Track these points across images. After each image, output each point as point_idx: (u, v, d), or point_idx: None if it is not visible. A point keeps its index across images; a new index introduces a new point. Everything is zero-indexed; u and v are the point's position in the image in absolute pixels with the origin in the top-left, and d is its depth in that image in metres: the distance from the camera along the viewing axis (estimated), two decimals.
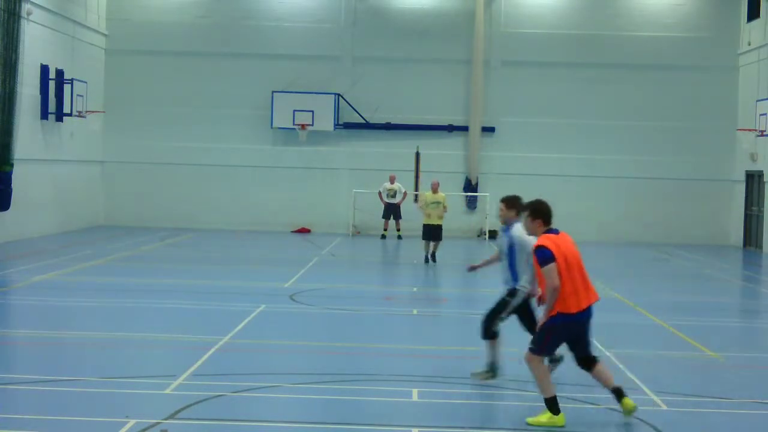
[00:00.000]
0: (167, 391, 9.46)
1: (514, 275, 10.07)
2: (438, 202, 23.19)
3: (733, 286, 21.70)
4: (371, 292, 18.46)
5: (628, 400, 8.78)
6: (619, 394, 8.82)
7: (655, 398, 9.78)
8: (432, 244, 23.11)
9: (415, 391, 9.82)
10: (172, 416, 8.48)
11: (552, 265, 8.59)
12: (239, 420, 8.60)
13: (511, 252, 10.07)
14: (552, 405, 8.57)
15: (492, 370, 10.32)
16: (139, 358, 11.40)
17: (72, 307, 15.13)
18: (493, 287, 19.63)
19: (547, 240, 8.75)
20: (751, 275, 24.11)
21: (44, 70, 27.33)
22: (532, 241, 9.22)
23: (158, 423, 8.26)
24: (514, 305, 10.14)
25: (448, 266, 22.64)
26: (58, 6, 28.44)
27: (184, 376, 10.08)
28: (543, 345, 8.83)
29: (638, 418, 8.97)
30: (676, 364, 11.99)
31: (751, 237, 31.51)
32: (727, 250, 30.53)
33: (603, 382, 8.94)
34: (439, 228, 23.05)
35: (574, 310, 8.76)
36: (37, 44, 26.46)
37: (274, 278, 19.07)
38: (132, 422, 8.24)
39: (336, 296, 17.43)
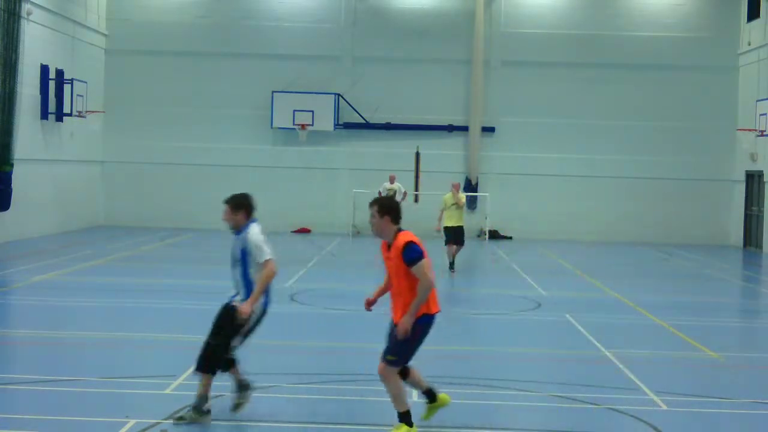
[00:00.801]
0: (167, 391, 9.46)
1: (249, 286, 8.64)
2: (458, 204, 21.81)
3: (733, 286, 21.70)
4: (371, 292, 18.42)
5: (444, 395, 8.57)
6: (431, 395, 8.50)
7: (655, 398, 9.77)
8: (454, 248, 21.57)
9: (415, 391, 9.80)
10: (172, 416, 8.48)
11: (425, 261, 7.95)
12: (239, 420, 8.59)
13: (244, 259, 8.59)
14: (407, 418, 8.12)
15: (241, 391, 8.76)
16: (139, 358, 11.40)
17: (72, 307, 15.12)
18: (493, 287, 19.66)
19: (412, 236, 8.11)
20: (751, 275, 24.11)
21: (44, 70, 27.34)
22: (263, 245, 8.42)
23: (158, 423, 8.26)
24: (252, 324, 8.71)
25: (448, 266, 22.61)
26: (58, 6, 28.44)
27: (184, 376, 10.07)
28: (407, 354, 8.16)
29: (638, 418, 8.97)
30: (676, 364, 11.99)
31: (751, 237, 31.51)
32: (727, 250, 30.53)
33: (416, 384, 8.48)
34: (461, 230, 21.66)
35: (435, 309, 8.18)
36: (37, 44, 26.46)
37: (275, 278, 19.03)
38: (132, 422, 8.24)
39: (336, 296, 17.42)
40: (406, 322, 8.00)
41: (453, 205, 21.78)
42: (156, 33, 33.00)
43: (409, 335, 8.00)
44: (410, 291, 8.03)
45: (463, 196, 22.07)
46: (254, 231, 8.59)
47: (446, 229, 21.68)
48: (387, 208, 8.25)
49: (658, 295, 18.57)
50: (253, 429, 8.40)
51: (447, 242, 21.63)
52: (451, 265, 21.58)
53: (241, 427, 8.43)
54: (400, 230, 8.17)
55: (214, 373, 8.47)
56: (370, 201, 8.41)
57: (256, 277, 8.57)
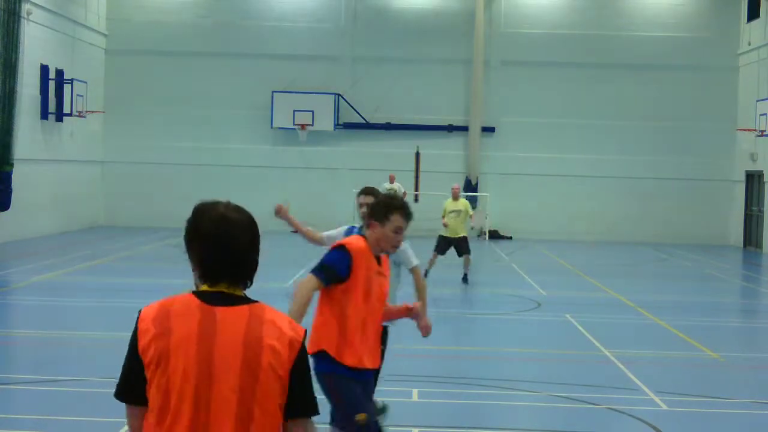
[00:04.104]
0: None
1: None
2: (459, 210, 19.27)
3: (733, 286, 21.70)
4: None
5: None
6: None
7: (655, 398, 9.77)
8: (464, 258, 19.27)
9: (415, 391, 9.81)
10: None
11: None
12: None
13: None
14: None
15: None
16: None
17: (72, 307, 15.12)
18: (493, 287, 19.65)
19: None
20: (751, 275, 24.11)
21: (44, 70, 27.33)
22: None
23: None
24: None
25: (448, 266, 22.59)
26: (58, 6, 28.44)
27: None
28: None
29: (638, 418, 8.97)
30: (676, 364, 11.99)
31: (751, 237, 31.51)
32: (727, 250, 30.53)
33: None
34: (462, 240, 19.11)
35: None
36: (37, 44, 26.46)
37: (274, 278, 19.06)
38: None
39: None
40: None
41: (452, 212, 19.28)
42: (156, 33, 33.00)
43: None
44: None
45: (465, 203, 19.70)
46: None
47: (441, 238, 19.37)
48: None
49: (658, 295, 18.57)
50: None
51: (436, 249, 19.37)
52: (427, 272, 18.20)
53: None
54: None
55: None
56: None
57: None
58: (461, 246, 19.13)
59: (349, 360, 5.73)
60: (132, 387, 3.05)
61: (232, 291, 3.20)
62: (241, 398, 3.00)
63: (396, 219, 5.86)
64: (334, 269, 5.70)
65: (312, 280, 5.72)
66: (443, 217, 19.31)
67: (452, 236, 19.12)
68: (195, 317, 3.09)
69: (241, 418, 3.00)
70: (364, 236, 5.93)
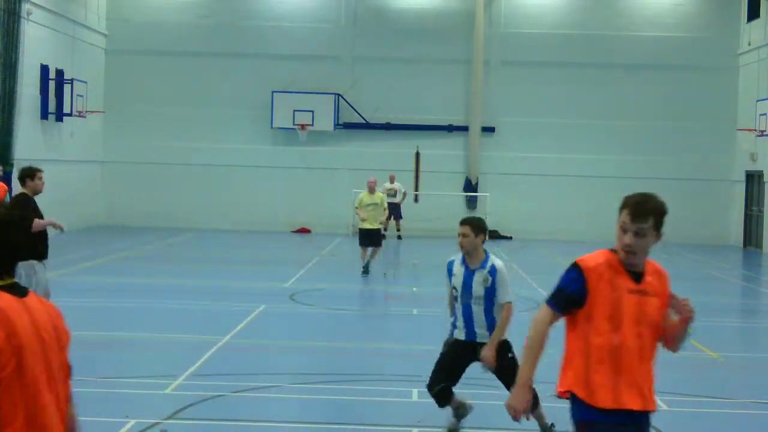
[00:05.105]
0: (167, 391, 9.45)
1: (492, 325, 8.02)
2: (376, 204, 20.19)
3: (733, 286, 21.70)
4: (371, 292, 18.45)
5: None
6: None
7: (655, 398, 9.75)
8: (370, 250, 20.24)
9: (415, 391, 9.81)
10: (172, 416, 8.47)
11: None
12: (239, 420, 8.59)
13: (490, 296, 7.94)
14: None
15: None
16: (139, 358, 11.39)
17: (72, 307, 15.10)
18: None
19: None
20: (751, 275, 24.11)
21: (44, 70, 27.33)
22: None
23: (158, 423, 8.26)
24: None
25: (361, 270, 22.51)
26: (58, 6, 28.44)
27: (184, 376, 10.07)
28: None
29: None
30: (676, 364, 11.98)
31: (751, 237, 31.51)
32: (727, 250, 30.53)
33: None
34: (377, 233, 20.18)
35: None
36: (37, 44, 26.46)
37: (274, 278, 19.06)
38: (132, 422, 8.24)
39: (336, 296, 17.42)
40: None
41: (369, 205, 20.15)
42: (156, 33, 33.00)
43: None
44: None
45: (380, 196, 20.52)
46: (501, 264, 7.93)
47: (360, 231, 20.32)
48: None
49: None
50: (253, 429, 8.40)
51: (361, 244, 20.33)
52: (365, 269, 20.13)
53: (241, 427, 8.42)
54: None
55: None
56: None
57: (498, 317, 7.87)
58: (375, 238, 20.13)
59: (602, 401, 4.69)
60: None
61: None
62: (63, 374, 3.63)
63: (623, 215, 4.74)
64: (565, 293, 4.80)
65: (544, 311, 4.91)
66: (357, 208, 20.35)
67: (370, 228, 20.06)
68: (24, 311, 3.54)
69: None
70: (613, 249, 4.82)
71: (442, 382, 7.97)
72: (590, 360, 4.74)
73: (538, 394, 7.75)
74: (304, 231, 32.87)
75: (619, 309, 4.65)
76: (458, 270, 7.89)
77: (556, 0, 33.30)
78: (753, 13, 31.73)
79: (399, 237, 31.06)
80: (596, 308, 4.67)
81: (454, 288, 7.92)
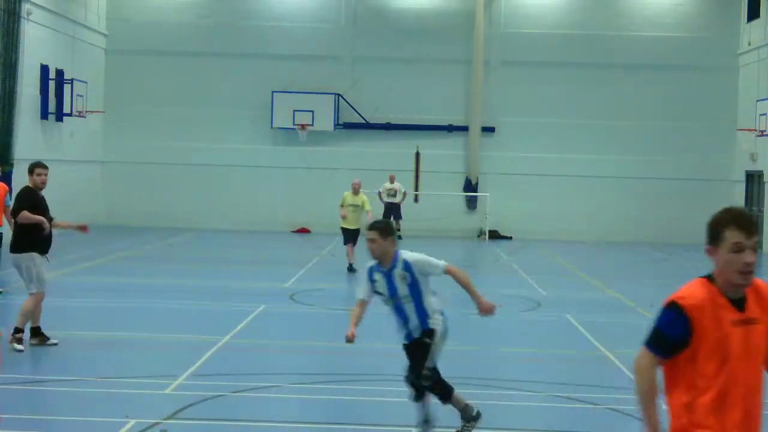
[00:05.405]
0: (167, 391, 9.45)
1: (425, 316, 7.84)
2: (357, 205, 20.49)
3: None
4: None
5: None
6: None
7: None
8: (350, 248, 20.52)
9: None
10: (172, 416, 8.47)
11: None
12: (239, 420, 8.59)
13: (416, 290, 7.81)
14: None
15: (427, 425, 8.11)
16: (139, 358, 11.39)
17: (72, 307, 15.13)
18: (493, 287, 19.65)
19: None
20: None
21: (44, 70, 27.34)
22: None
23: (158, 423, 8.25)
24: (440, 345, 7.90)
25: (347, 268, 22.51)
26: (58, 6, 28.44)
27: (184, 376, 10.07)
28: None
29: (638, 418, 8.95)
30: None
31: None
32: None
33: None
34: (356, 232, 20.39)
35: None
36: (37, 44, 26.46)
37: (274, 278, 19.06)
38: (132, 422, 8.23)
39: (336, 296, 17.41)
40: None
41: (351, 205, 20.52)
42: (156, 33, 33.01)
43: None
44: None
45: (363, 198, 20.64)
46: (409, 253, 7.83)
47: (342, 230, 20.72)
48: None
49: (658, 295, 18.53)
50: (253, 429, 8.40)
51: (345, 243, 20.70)
52: (350, 267, 20.37)
53: (241, 427, 8.42)
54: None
55: (451, 390, 7.99)
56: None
57: (434, 299, 7.83)
58: (354, 237, 20.40)
59: None
60: None
61: None
62: None
63: (731, 234, 4.35)
64: (667, 338, 4.27)
65: (645, 357, 4.41)
66: (341, 206, 20.66)
67: (350, 227, 20.49)
68: None
69: None
70: (709, 277, 4.44)
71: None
72: (695, 406, 4.24)
73: (452, 386, 7.91)
74: (304, 231, 32.88)
75: (725, 347, 4.20)
76: (378, 276, 7.82)
77: (556, 0, 33.31)
78: (753, 13, 31.73)
79: (399, 237, 31.04)
80: (700, 349, 4.22)
81: (381, 294, 7.84)
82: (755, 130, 29.70)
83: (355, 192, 20.65)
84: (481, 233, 32.62)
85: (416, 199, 32.42)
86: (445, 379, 7.95)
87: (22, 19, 24.57)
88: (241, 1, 33.42)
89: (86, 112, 29.90)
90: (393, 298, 7.76)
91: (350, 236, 20.58)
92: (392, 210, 31.33)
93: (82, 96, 29.36)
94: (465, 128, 33.16)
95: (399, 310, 7.80)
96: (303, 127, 32.37)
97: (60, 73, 28.15)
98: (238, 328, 13.29)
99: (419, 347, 7.76)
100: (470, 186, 32.94)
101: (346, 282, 19.44)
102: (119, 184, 33.09)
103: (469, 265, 24.01)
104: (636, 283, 20.72)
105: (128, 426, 8.14)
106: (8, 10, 24.02)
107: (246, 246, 27.27)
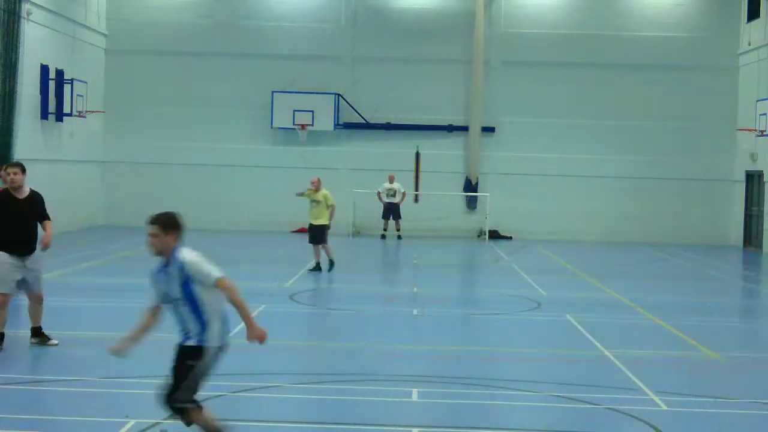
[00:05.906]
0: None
1: (203, 323, 7.30)
2: (319, 201, 20.38)
3: (733, 286, 21.70)
4: (371, 292, 18.44)
5: None
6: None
7: (655, 398, 9.77)
8: (316, 247, 20.50)
9: (415, 391, 9.80)
10: (172, 416, 8.47)
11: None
12: (239, 420, 8.58)
13: (189, 292, 7.15)
14: None
15: None
16: (139, 358, 11.37)
17: (72, 307, 15.12)
18: (493, 287, 19.64)
19: None
20: (751, 275, 24.10)
21: (44, 70, 27.33)
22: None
23: (158, 423, 8.25)
24: (211, 364, 7.44)
25: (449, 267, 22.61)
26: (58, 6, 28.44)
27: None
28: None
29: (638, 418, 8.96)
30: (677, 364, 11.98)
31: (751, 237, 31.50)
32: (727, 250, 30.52)
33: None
34: (319, 228, 20.29)
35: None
36: (37, 44, 26.45)
37: (274, 278, 19.06)
38: (132, 422, 8.24)
39: (336, 296, 17.41)
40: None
41: (312, 202, 20.53)
42: (156, 33, 33.00)
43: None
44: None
45: (323, 193, 20.49)
46: (189, 252, 7.10)
47: (309, 226, 20.73)
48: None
49: (658, 295, 18.56)
50: (253, 429, 8.39)
51: (309, 241, 20.73)
52: (323, 265, 20.44)
53: (241, 427, 8.42)
54: None
55: (196, 404, 7.34)
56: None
57: (218, 307, 7.20)
58: (321, 234, 20.24)
59: None
60: None
61: None
62: None
63: None
64: None
65: None
66: (301, 194, 20.94)
67: (315, 223, 20.36)
68: None
69: None
70: None
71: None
72: None
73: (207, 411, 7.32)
74: (304, 231, 32.78)
75: None
76: (157, 275, 7.15)
77: (556, 0, 33.30)
78: (753, 13, 31.72)
79: (399, 237, 31.07)
80: None
81: (158, 296, 7.25)
82: (755, 130, 29.69)
83: (317, 189, 20.55)
84: (481, 233, 32.62)
85: (416, 199, 32.41)
86: (195, 399, 7.24)
87: (22, 19, 24.56)
88: (241, 1, 33.41)
89: (86, 112, 29.90)
90: (166, 298, 7.15)
91: (313, 232, 20.39)
92: (392, 210, 31.36)
93: (82, 96, 29.36)
94: (465, 128, 33.15)
95: (174, 313, 7.19)
96: (303, 127, 32.37)
97: (60, 73, 28.14)
98: (238, 328, 13.26)
99: (182, 368, 7.20)
100: (470, 186, 32.93)
101: (346, 282, 19.44)
102: (119, 184, 33.08)
103: (470, 265, 24.02)
104: (636, 283, 20.71)
105: (128, 426, 8.14)
106: (8, 10, 24.02)
107: (246, 246, 27.27)
